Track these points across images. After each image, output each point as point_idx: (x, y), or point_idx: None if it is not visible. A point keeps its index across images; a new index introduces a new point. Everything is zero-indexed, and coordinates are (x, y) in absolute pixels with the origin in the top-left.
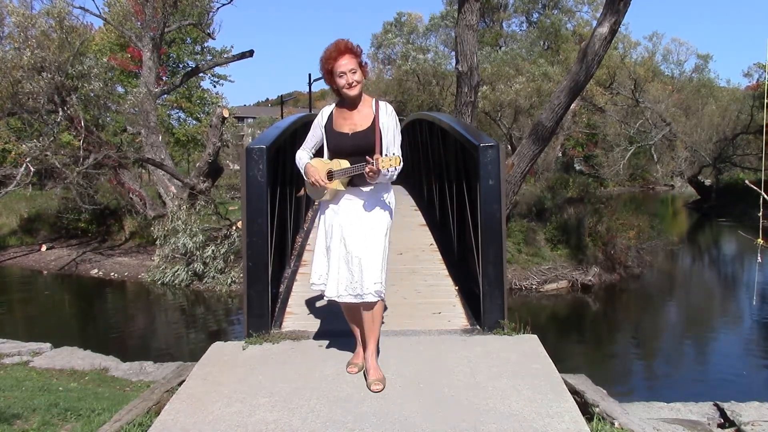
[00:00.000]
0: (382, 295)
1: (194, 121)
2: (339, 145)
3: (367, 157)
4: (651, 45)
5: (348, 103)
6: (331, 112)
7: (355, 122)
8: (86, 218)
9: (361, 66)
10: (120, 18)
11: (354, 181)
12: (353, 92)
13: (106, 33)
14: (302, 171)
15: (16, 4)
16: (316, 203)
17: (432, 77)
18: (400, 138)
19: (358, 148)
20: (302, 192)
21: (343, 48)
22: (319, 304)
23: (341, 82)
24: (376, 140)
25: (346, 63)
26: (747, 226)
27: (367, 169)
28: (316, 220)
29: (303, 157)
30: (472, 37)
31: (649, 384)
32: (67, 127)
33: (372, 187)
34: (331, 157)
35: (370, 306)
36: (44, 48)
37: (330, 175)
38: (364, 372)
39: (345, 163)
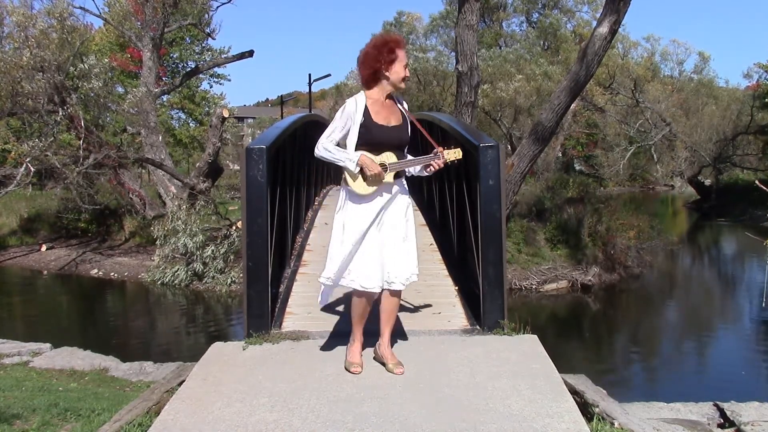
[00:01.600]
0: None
1: (195, 123)
2: (384, 137)
3: (438, 147)
4: (650, 46)
5: (382, 96)
6: (365, 103)
7: (390, 115)
8: (86, 218)
9: None
10: (120, 18)
11: (397, 174)
12: (404, 86)
13: (106, 33)
14: (344, 161)
15: (16, 3)
16: (316, 203)
17: (432, 77)
18: None
19: (402, 141)
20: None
21: (402, 43)
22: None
23: (402, 73)
24: (424, 134)
25: (404, 56)
26: (747, 226)
27: (438, 161)
28: (317, 219)
29: (335, 147)
30: (472, 37)
31: (649, 384)
32: (67, 127)
33: (402, 180)
34: (362, 150)
35: (398, 294)
36: (44, 48)
37: (384, 168)
38: (381, 361)
39: (391, 156)
